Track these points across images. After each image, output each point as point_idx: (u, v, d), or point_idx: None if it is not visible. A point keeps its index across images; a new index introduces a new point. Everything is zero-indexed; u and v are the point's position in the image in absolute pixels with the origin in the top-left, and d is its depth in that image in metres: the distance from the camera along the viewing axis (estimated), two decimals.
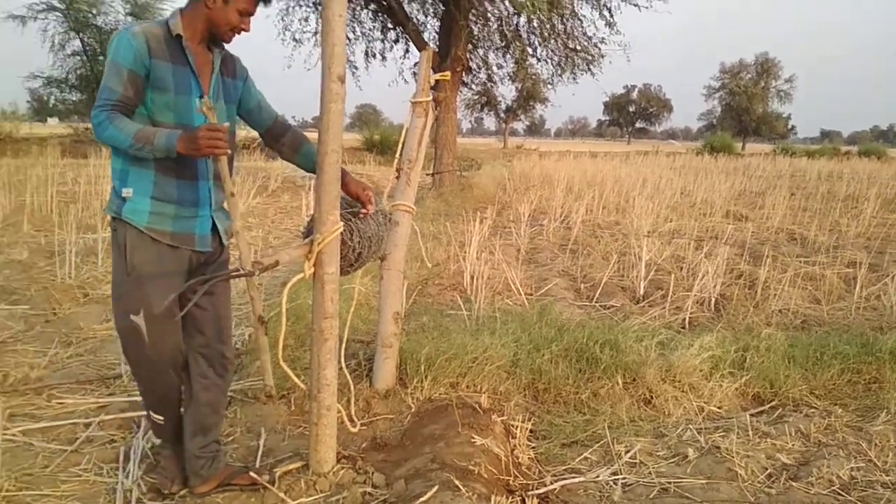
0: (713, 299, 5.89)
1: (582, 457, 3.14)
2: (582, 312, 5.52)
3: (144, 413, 2.70)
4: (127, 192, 2.30)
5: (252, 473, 2.68)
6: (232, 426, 3.26)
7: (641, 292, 6.27)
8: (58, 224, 7.91)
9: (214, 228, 2.50)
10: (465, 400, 3.45)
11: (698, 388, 3.84)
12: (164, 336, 2.40)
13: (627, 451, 3.17)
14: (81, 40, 27.13)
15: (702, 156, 33.19)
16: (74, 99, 29.23)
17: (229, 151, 2.22)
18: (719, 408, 3.73)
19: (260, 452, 3.02)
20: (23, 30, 26.39)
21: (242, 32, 2.40)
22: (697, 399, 3.75)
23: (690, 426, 3.44)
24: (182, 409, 2.66)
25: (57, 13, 26.48)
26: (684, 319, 5.37)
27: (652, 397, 3.75)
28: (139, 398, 3.43)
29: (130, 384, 3.69)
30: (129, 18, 27.20)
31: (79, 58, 27.49)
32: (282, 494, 2.61)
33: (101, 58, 26.36)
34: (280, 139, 2.67)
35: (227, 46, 2.47)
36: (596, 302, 5.93)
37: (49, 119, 40.02)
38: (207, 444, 2.65)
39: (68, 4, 26.17)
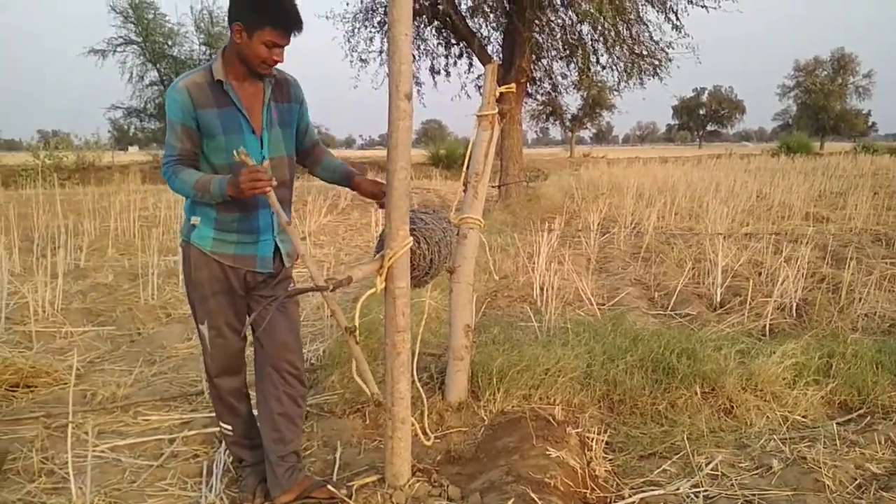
0: (795, 305, 5.68)
1: (661, 469, 3.07)
2: (656, 321, 5.40)
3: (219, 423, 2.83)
4: (195, 220, 2.53)
5: (330, 487, 2.73)
6: (309, 440, 3.32)
7: (718, 299, 6.10)
8: (140, 248, 8.25)
9: (277, 250, 2.65)
10: (538, 412, 3.42)
11: (781, 396, 3.70)
12: (223, 347, 2.64)
13: (708, 463, 3.07)
14: (158, 70, 28.40)
15: (778, 157, 32.13)
16: (153, 127, 30.56)
17: (274, 183, 2.32)
18: (804, 417, 3.58)
19: (337, 466, 3.07)
20: (102, 63, 27.84)
21: (276, 63, 2.43)
22: (781, 408, 3.61)
23: (774, 436, 3.31)
24: (257, 423, 2.81)
25: (135, 46, 27.82)
26: (764, 326, 5.19)
27: (733, 407, 3.63)
28: None
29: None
30: (203, 49, 28.31)
31: (156, 87, 28.75)
32: None
33: None
34: (309, 157, 2.84)
35: (285, 71, 2.58)
36: (671, 310, 5.80)
37: (129, 147, 41.91)
38: (286, 454, 2.72)
39: (145, 37, 27.46)
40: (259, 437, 2.80)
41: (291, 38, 2.40)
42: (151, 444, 3.32)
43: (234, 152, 2.25)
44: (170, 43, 28.42)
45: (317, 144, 2.86)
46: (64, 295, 5.90)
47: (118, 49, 27.85)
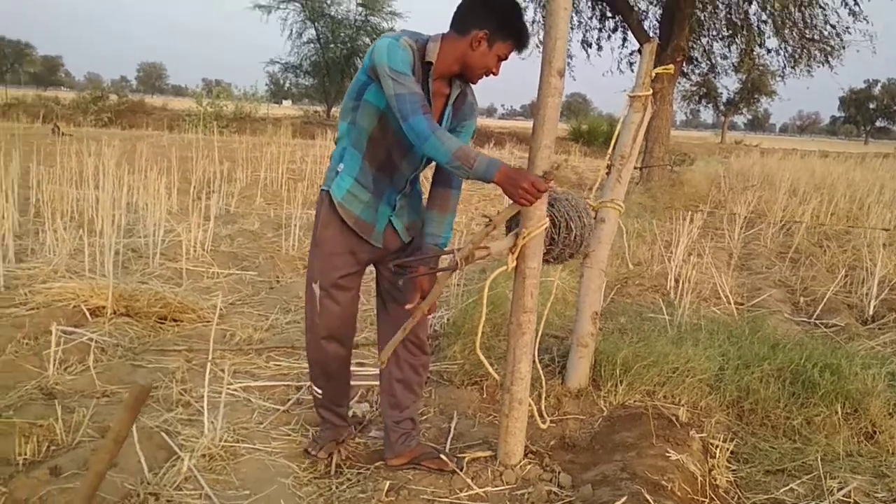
0: None
1: (788, 487, 2.88)
2: (799, 329, 5.05)
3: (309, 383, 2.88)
4: (340, 166, 2.51)
5: (442, 456, 2.75)
6: (426, 406, 3.37)
7: (871, 312, 5.62)
8: (286, 199, 8.65)
9: (393, 229, 2.61)
10: (661, 410, 3.29)
11: None
12: (334, 309, 2.59)
13: (841, 488, 2.84)
14: (316, 29, 29.44)
15: None
16: (307, 84, 31.84)
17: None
18: None
19: (450, 436, 3.09)
20: (266, 19, 29.19)
21: (491, 75, 2.43)
22: None
23: None
24: (349, 390, 2.86)
25: (296, 3, 28.90)
26: None
27: (875, 432, 3.33)
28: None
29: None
30: (360, 10, 29.05)
31: (313, 45, 29.88)
32: (469, 481, 2.65)
33: (331, 45, 28.40)
34: (437, 185, 2.63)
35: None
36: (816, 319, 5.40)
37: (284, 101, 43.92)
38: (402, 420, 2.76)
39: None
40: (346, 402, 2.87)
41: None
42: (280, 389, 3.49)
43: (552, 168, 2.28)
44: (329, 2, 29.33)
45: (450, 186, 2.63)
46: (214, 237, 6.29)
47: (281, 5, 29.08)
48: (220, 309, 4.43)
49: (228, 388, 3.25)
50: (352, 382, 2.95)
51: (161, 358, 3.74)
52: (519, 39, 2.36)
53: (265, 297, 5.08)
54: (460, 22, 2.36)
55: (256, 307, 4.80)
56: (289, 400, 3.36)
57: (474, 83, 2.50)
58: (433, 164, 2.46)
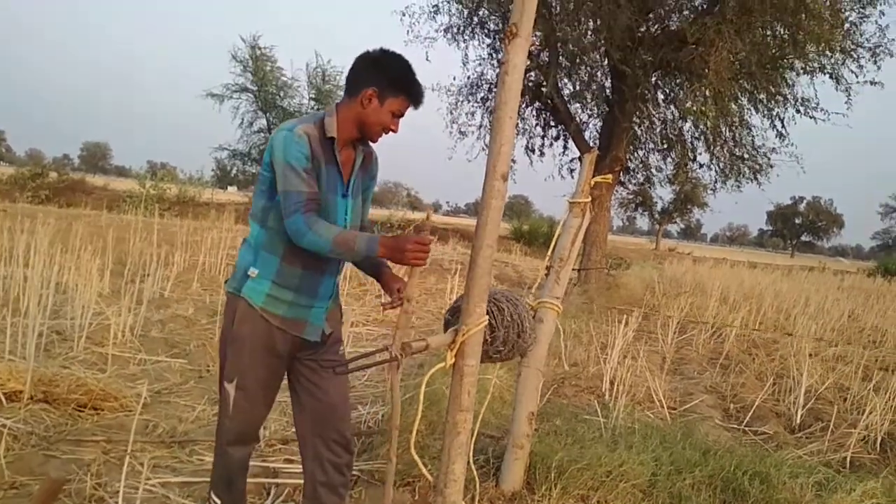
0: (879, 438, 5.28)
1: None
2: (730, 436, 5.12)
3: (273, 481, 2.74)
4: (253, 271, 2.42)
5: None
6: None
7: (798, 421, 5.74)
8: (223, 285, 8.47)
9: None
10: None
11: None
12: (248, 411, 2.47)
13: None
14: (267, 119, 29.83)
15: (874, 277, 30.70)
16: (253, 171, 31.92)
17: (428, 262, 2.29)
18: None
19: None
20: (219, 108, 29.39)
21: (390, 133, 2.46)
22: None
23: None
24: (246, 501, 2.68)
25: (249, 94, 29.36)
26: (845, 458, 4.83)
27: None
28: (269, 465, 3.54)
29: (265, 450, 3.80)
30: (312, 103, 29.66)
31: (262, 134, 30.15)
32: None
33: None
34: None
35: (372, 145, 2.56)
36: (746, 426, 5.49)
37: (229, 187, 43.83)
38: None
39: (260, 87, 28.99)
40: None
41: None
42: (201, 485, 3.31)
43: (427, 215, 2.28)
44: (282, 94, 29.88)
45: (365, 225, 2.72)
46: (145, 322, 6.09)
47: (234, 95, 29.45)
48: (144, 398, 4.25)
49: (146, 484, 3.08)
50: (279, 480, 2.83)
51: (77, 448, 3.54)
52: (409, 93, 2.41)
53: (193, 386, 4.90)
54: (352, 84, 2.41)
55: (183, 397, 4.62)
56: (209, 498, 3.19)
57: (374, 141, 2.50)
58: None
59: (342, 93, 2.53)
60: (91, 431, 3.80)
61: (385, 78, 2.37)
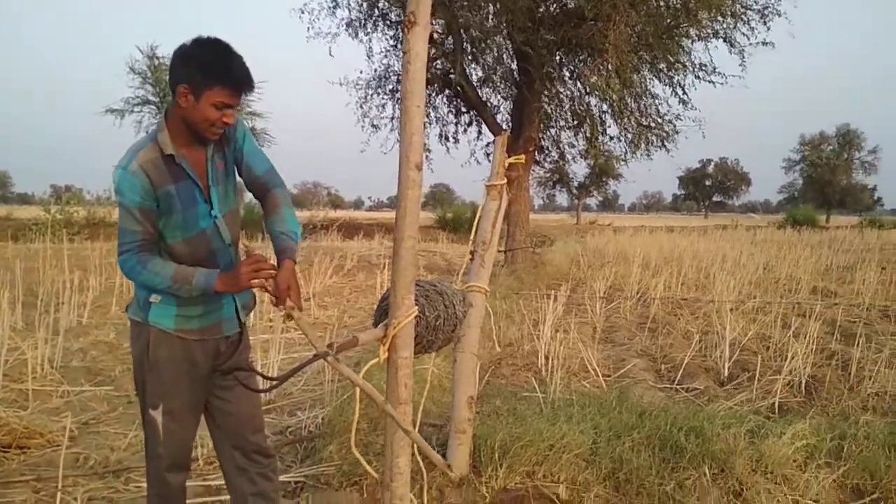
0: (804, 382, 5.57)
1: None
2: (663, 396, 5.30)
3: (218, 498, 2.67)
4: (154, 298, 2.30)
5: None
6: None
7: (726, 374, 5.99)
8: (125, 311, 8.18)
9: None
10: (542, 490, 3.32)
11: (792, 479, 3.58)
12: (178, 433, 2.39)
13: None
14: None
15: (784, 229, 32.25)
16: None
17: (273, 273, 2.19)
18: (816, 501, 3.45)
19: None
20: (121, 123, 28.29)
21: (227, 126, 2.27)
22: (792, 492, 3.49)
23: None
24: None
25: (151, 106, 28.39)
26: (773, 404, 5.07)
27: (742, 490, 3.50)
28: (210, 483, 3.46)
29: (206, 468, 3.71)
30: None
31: None
32: None
33: None
34: (263, 205, 2.52)
35: None
36: (678, 384, 5.69)
37: None
38: None
39: (161, 98, 28.04)
40: None
41: (241, 99, 2.28)
42: None
43: (242, 245, 2.18)
44: None
45: (269, 190, 2.50)
46: (64, 352, 5.84)
47: (135, 109, 28.45)
48: (71, 430, 4.08)
49: None
50: (222, 497, 2.76)
51: (5, 491, 3.37)
52: (224, 81, 2.18)
53: (122, 412, 4.72)
54: (170, 85, 2.22)
55: (113, 425, 4.45)
56: None
57: (211, 139, 2.29)
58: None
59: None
60: (19, 471, 3.62)
61: (195, 70, 2.17)
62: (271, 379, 2.41)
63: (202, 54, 2.19)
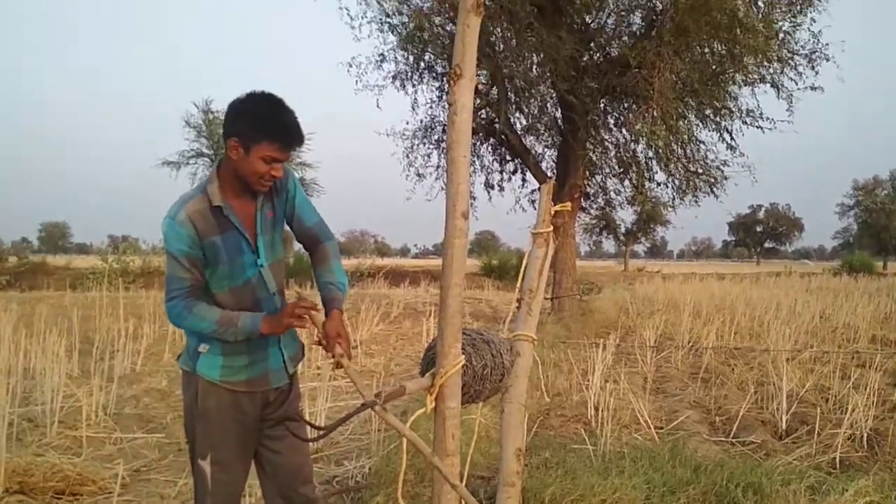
0: (865, 436, 5.32)
1: None
2: (718, 449, 5.11)
3: None
4: (203, 347, 2.36)
5: None
6: None
7: (784, 427, 5.77)
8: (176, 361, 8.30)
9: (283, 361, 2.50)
10: None
11: None
12: (226, 483, 2.40)
13: None
14: None
15: (840, 276, 31.31)
16: None
17: (319, 307, 2.26)
18: None
19: None
20: (176, 175, 29.23)
21: (275, 179, 2.33)
22: None
23: None
24: None
25: (205, 158, 29.32)
26: (834, 459, 4.84)
27: None
28: None
29: None
30: None
31: None
32: None
33: None
34: (312, 256, 2.58)
35: None
36: (733, 437, 5.49)
37: None
38: None
39: (215, 151, 28.96)
40: None
41: (290, 153, 2.35)
42: None
43: (294, 292, 2.24)
44: None
45: (319, 242, 2.57)
46: (117, 399, 5.95)
47: (190, 161, 29.39)
48: (123, 477, 4.12)
49: None
50: None
51: None
52: (272, 136, 2.25)
53: (173, 460, 4.77)
54: (223, 137, 2.32)
55: (164, 472, 4.49)
56: None
57: (260, 191, 2.36)
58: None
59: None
60: None
61: (246, 124, 2.25)
62: (319, 429, 2.43)
63: (254, 109, 2.27)
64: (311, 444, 2.63)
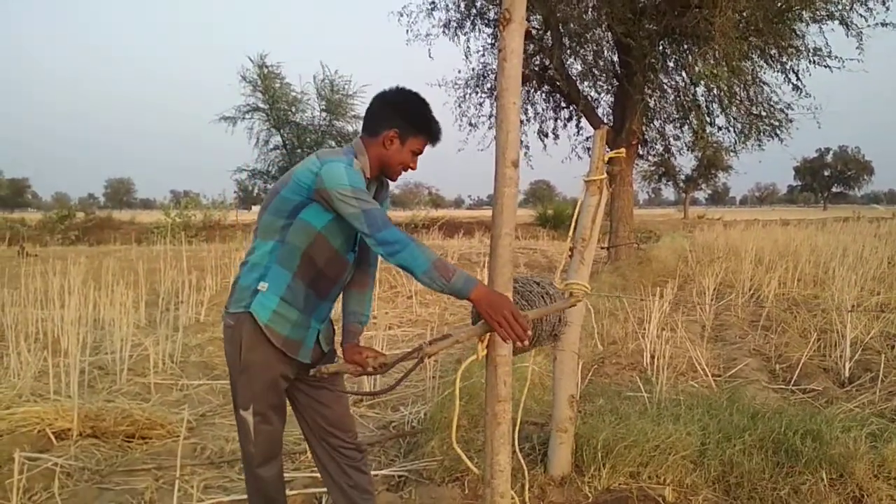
0: None
1: None
2: (778, 397, 5.04)
3: (325, 489, 2.75)
4: (263, 285, 2.39)
5: None
6: None
7: (847, 375, 5.64)
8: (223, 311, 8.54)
9: (317, 341, 2.57)
10: (647, 492, 3.24)
11: None
12: (269, 433, 2.49)
13: None
14: (281, 136, 29.95)
15: None
16: None
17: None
18: None
19: None
20: (233, 130, 29.56)
21: (409, 170, 2.54)
22: None
23: None
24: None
25: (261, 113, 29.53)
26: None
27: (863, 496, 3.29)
28: (318, 475, 3.57)
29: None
30: (324, 115, 29.76)
31: (279, 151, 30.28)
32: None
33: (297, 151, 29.02)
34: (357, 267, 2.65)
35: None
36: (793, 385, 5.41)
37: (253, 207, 44.27)
38: None
39: (271, 105, 29.10)
40: None
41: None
42: None
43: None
44: (293, 110, 29.99)
45: (369, 264, 2.70)
46: (183, 348, 6.19)
47: (246, 116, 29.67)
48: (190, 422, 4.32)
49: None
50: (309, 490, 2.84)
51: (129, 479, 3.61)
52: (429, 132, 2.49)
53: None
54: (372, 125, 2.46)
55: (227, 417, 4.67)
56: None
57: (394, 179, 2.59)
58: None
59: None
60: (141, 461, 3.87)
61: (405, 119, 2.44)
62: (383, 366, 2.49)
63: (412, 107, 2.49)
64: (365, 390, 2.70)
